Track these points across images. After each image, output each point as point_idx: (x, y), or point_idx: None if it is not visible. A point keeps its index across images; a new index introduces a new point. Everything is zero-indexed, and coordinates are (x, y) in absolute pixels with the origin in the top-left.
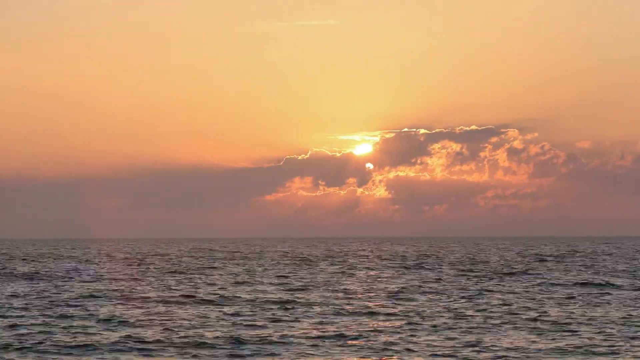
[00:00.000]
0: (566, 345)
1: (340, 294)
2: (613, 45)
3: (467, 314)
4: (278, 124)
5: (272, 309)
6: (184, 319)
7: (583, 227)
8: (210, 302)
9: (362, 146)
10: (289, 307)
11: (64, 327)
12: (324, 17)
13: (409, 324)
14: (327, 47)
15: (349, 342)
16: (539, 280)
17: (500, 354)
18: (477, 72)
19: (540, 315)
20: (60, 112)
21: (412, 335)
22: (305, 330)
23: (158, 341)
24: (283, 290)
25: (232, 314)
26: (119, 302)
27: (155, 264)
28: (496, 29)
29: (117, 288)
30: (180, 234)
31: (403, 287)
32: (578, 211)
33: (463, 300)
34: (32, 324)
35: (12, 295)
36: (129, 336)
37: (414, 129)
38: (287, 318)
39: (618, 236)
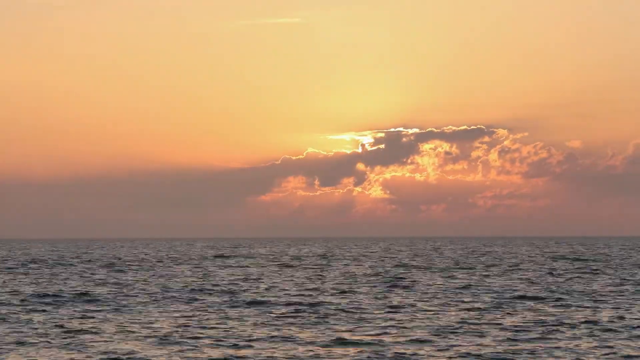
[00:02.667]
0: None
1: None
2: (602, 46)
3: None
4: (274, 124)
5: None
6: None
7: (578, 226)
8: None
9: (353, 146)
10: None
11: None
12: (287, 15)
13: None
14: (316, 45)
15: None
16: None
17: None
18: (466, 72)
19: None
20: (58, 112)
21: None
22: None
23: None
24: None
25: None
26: None
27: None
28: (486, 28)
29: None
30: (177, 234)
31: None
32: (571, 211)
33: None
34: None
35: None
36: None
37: (405, 129)
38: None
39: (613, 236)
